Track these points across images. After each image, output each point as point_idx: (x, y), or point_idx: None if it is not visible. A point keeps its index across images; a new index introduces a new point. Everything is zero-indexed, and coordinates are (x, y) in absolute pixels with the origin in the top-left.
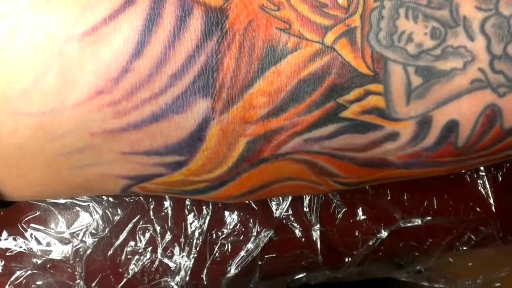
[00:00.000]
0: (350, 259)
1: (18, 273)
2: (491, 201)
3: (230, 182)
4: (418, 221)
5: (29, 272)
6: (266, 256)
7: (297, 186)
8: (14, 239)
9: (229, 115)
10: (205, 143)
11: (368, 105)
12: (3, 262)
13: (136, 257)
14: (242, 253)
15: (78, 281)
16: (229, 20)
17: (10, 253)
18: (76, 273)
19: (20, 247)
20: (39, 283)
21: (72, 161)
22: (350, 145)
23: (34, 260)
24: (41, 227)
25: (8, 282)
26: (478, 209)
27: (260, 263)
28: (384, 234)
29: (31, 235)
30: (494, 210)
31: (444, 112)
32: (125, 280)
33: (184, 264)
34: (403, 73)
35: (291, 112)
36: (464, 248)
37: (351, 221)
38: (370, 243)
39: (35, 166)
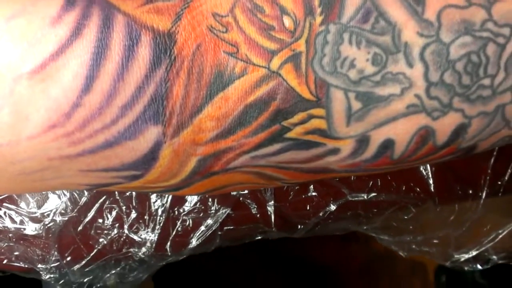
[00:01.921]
0: (302, 226)
1: None
2: (431, 181)
3: (185, 188)
4: (364, 196)
5: (6, 244)
6: (225, 228)
7: (249, 187)
8: None
9: (179, 138)
10: (158, 161)
11: (311, 127)
12: None
13: (105, 232)
14: (202, 227)
15: (53, 251)
16: (178, 46)
17: None
18: (49, 246)
19: None
20: (16, 253)
21: (34, 177)
22: (294, 159)
23: (10, 235)
24: (13, 207)
25: None
26: (418, 189)
27: (219, 233)
28: (333, 207)
29: (4, 213)
30: (432, 190)
31: (381, 132)
32: (95, 250)
33: (149, 238)
34: (344, 98)
35: (239, 135)
36: (405, 217)
37: (303, 196)
38: (321, 214)
39: (0, 181)
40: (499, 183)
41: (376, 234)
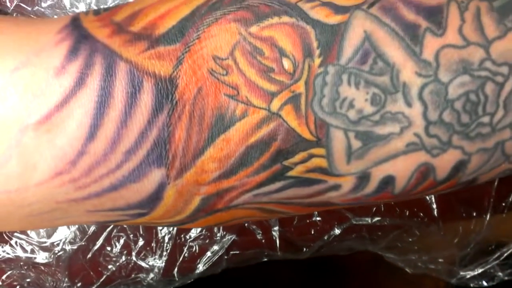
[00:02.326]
0: (307, 249)
1: (8, 273)
2: (434, 206)
3: (190, 223)
4: (368, 220)
5: (18, 271)
6: (231, 253)
7: (252, 219)
8: (1, 246)
9: (183, 180)
10: (163, 201)
11: (312, 166)
12: None
13: (113, 259)
14: (209, 253)
15: (64, 278)
16: (179, 90)
17: None
18: (60, 273)
19: (8, 253)
20: (28, 280)
21: (43, 218)
22: (296, 195)
23: (21, 264)
24: (24, 236)
25: (1, 280)
26: (421, 214)
27: (226, 257)
28: (337, 231)
29: (15, 242)
30: (436, 214)
31: (382, 169)
32: (104, 276)
33: (156, 265)
34: (344, 138)
35: (241, 175)
36: (410, 239)
37: (308, 221)
38: (325, 237)
39: (10, 222)
40: (503, 204)
41: (382, 253)
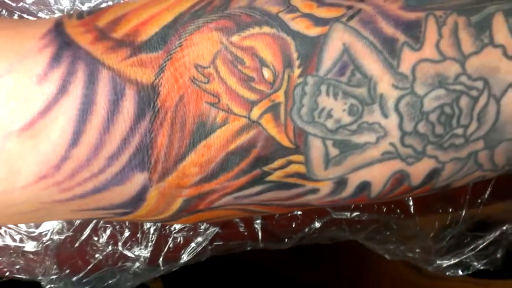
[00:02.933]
0: (288, 240)
1: None
2: (411, 203)
3: (172, 220)
4: (347, 215)
5: (7, 258)
6: (214, 243)
7: (233, 217)
8: None
9: (165, 183)
10: (146, 202)
11: (291, 171)
12: None
13: (100, 248)
14: (193, 244)
15: (52, 265)
16: (161, 98)
17: None
18: (48, 261)
19: None
20: (17, 267)
21: (29, 216)
22: (276, 198)
23: (11, 252)
24: (13, 226)
25: None
26: (398, 210)
27: (210, 247)
28: (317, 224)
29: (5, 231)
30: (412, 211)
31: (358, 175)
32: (91, 264)
33: (142, 255)
34: (322, 146)
35: (221, 179)
36: (387, 232)
37: (289, 215)
38: (306, 230)
39: None
40: (479, 201)
41: (362, 241)
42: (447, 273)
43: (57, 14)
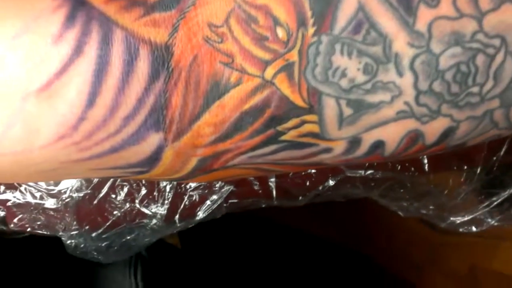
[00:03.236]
0: (302, 197)
1: (19, 216)
2: (425, 161)
3: (187, 179)
4: (361, 173)
5: (28, 215)
6: (229, 201)
7: (248, 176)
8: (12, 192)
9: (180, 142)
10: (161, 161)
11: (304, 131)
12: (5, 210)
13: (118, 205)
14: (208, 202)
15: (72, 221)
16: (175, 58)
17: (10, 204)
18: (68, 217)
19: (18, 199)
20: (38, 223)
21: (49, 175)
22: (290, 157)
23: (31, 208)
24: (33, 184)
25: (12, 223)
26: (412, 168)
27: (225, 205)
28: (331, 182)
29: (25, 189)
30: (426, 169)
31: (372, 134)
32: (110, 221)
33: (159, 212)
34: (335, 105)
35: (236, 139)
36: (401, 190)
37: (303, 173)
38: (320, 188)
39: (18, 178)
40: (494, 158)
41: (375, 198)
42: (461, 230)
43: None
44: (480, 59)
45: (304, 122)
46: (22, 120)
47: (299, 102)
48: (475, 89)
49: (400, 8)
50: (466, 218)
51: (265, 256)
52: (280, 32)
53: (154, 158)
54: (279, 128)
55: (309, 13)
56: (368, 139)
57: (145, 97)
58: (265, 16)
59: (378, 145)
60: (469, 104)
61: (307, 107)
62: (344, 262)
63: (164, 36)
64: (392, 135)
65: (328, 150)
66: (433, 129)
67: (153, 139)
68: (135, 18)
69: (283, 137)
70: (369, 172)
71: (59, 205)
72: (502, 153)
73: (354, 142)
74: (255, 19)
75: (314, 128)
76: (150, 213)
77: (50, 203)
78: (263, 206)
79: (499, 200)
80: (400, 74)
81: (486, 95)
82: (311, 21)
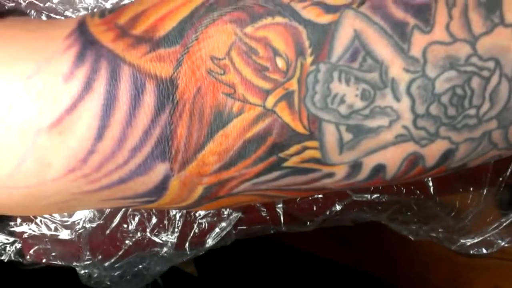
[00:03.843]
0: (310, 223)
1: (35, 247)
2: (430, 183)
3: (195, 207)
4: (367, 197)
5: (44, 246)
6: (238, 228)
7: (254, 203)
8: (27, 224)
9: (186, 172)
10: (168, 190)
11: (306, 157)
12: (21, 242)
13: (130, 235)
14: (217, 229)
15: (85, 252)
16: (179, 91)
17: (26, 235)
18: (82, 247)
19: (33, 231)
20: (53, 254)
21: (61, 206)
22: (293, 183)
23: (46, 240)
24: (48, 216)
25: (28, 255)
26: (418, 191)
27: (234, 231)
28: (338, 207)
29: (40, 221)
30: (432, 192)
31: (372, 158)
32: (122, 250)
33: (169, 240)
34: (335, 131)
35: (239, 166)
36: (408, 213)
37: (310, 198)
38: (327, 213)
39: (31, 210)
40: (501, 179)
41: (385, 222)
42: (471, 252)
43: (82, 12)
44: (475, 82)
45: (305, 148)
46: (34, 154)
47: (300, 129)
48: (472, 111)
49: (395, 35)
50: (476, 240)
51: (281, 280)
52: (280, 62)
53: (161, 187)
54: (281, 154)
55: (307, 43)
56: (369, 163)
57: (152, 129)
58: (265, 48)
59: (379, 168)
60: (466, 126)
61: (308, 134)
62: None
63: (169, 70)
64: (392, 158)
65: (330, 175)
66: (433, 152)
67: (160, 169)
68: (141, 54)
69: (286, 164)
70: (375, 196)
71: (73, 236)
72: (508, 174)
73: (355, 166)
74: (255, 51)
75: (316, 154)
76: (160, 241)
77: (64, 234)
78: (272, 232)
79: (508, 221)
80: (397, 99)
81: (483, 116)
82: (309, 51)
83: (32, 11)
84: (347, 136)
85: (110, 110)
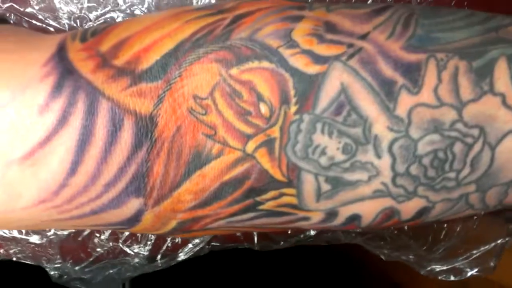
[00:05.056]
0: (283, 242)
1: (6, 247)
2: None
3: (168, 236)
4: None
5: (14, 246)
6: (211, 244)
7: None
8: None
9: (160, 207)
10: (141, 222)
11: (283, 202)
12: None
13: (101, 243)
14: (190, 245)
15: (57, 255)
16: (158, 128)
17: None
18: (52, 251)
19: (5, 233)
20: (23, 255)
21: (31, 228)
22: (268, 222)
23: (17, 242)
24: None
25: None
26: (392, 227)
27: (207, 247)
28: (312, 233)
29: None
30: (406, 228)
31: (348, 208)
32: (93, 257)
33: (141, 252)
34: (314, 181)
35: (215, 206)
36: (381, 242)
37: None
38: (301, 236)
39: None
40: (475, 217)
41: (358, 243)
42: (439, 277)
43: (64, 21)
44: (458, 147)
45: (282, 195)
46: (4, 184)
47: (279, 176)
48: (452, 175)
49: (382, 93)
50: (445, 268)
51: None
52: (263, 108)
53: (134, 220)
54: (258, 198)
55: (292, 92)
56: (345, 213)
57: (127, 166)
58: (249, 92)
59: (355, 218)
60: (445, 188)
61: (286, 181)
62: None
63: (149, 107)
64: (368, 210)
65: (306, 218)
66: (409, 208)
67: (133, 204)
68: (122, 88)
69: (262, 207)
70: None
71: (44, 241)
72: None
73: (331, 214)
74: (239, 94)
75: (293, 200)
76: (132, 253)
77: (34, 238)
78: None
79: (478, 254)
80: (378, 156)
81: (463, 180)
82: (294, 100)
83: (12, 15)
84: (326, 187)
85: (85, 145)
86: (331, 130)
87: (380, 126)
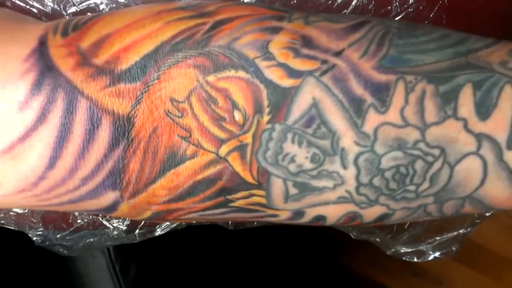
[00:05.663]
0: (256, 222)
1: None
2: None
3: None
4: None
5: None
6: (187, 223)
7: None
8: None
9: (135, 200)
10: (118, 211)
11: (252, 201)
12: None
13: (82, 216)
14: (167, 222)
15: (39, 224)
16: (135, 129)
17: None
18: (35, 220)
19: None
20: (6, 221)
21: (11, 206)
22: (239, 217)
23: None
24: None
25: None
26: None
27: (183, 223)
28: None
29: None
30: None
31: (314, 210)
32: (74, 227)
33: (120, 227)
34: (283, 185)
35: (188, 202)
36: (349, 228)
37: None
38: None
39: None
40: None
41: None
42: (404, 258)
43: (49, 6)
44: (419, 165)
45: (252, 195)
46: None
47: (249, 179)
48: (412, 188)
49: (351, 110)
50: (409, 250)
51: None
52: (237, 116)
53: (111, 208)
54: (229, 197)
55: (265, 102)
56: (311, 213)
57: (104, 163)
58: (225, 99)
59: (320, 218)
60: (405, 198)
61: (256, 184)
62: None
63: (127, 107)
64: (332, 212)
65: (274, 215)
66: (370, 213)
67: (110, 196)
68: (100, 87)
69: (232, 204)
70: None
71: (26, 211)
72: None
73: (298, 213)
74: (215, 100)
75: (262, 200)
76: (111, 227)
77: (17, 209)
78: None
79: (442, 240)
80: (344, 166)
81: (422, 193)
82: (267, 110)
83: None
84: (293, 191)
85: (63, 142)
86: (301, 140)
87: (348, 140)
